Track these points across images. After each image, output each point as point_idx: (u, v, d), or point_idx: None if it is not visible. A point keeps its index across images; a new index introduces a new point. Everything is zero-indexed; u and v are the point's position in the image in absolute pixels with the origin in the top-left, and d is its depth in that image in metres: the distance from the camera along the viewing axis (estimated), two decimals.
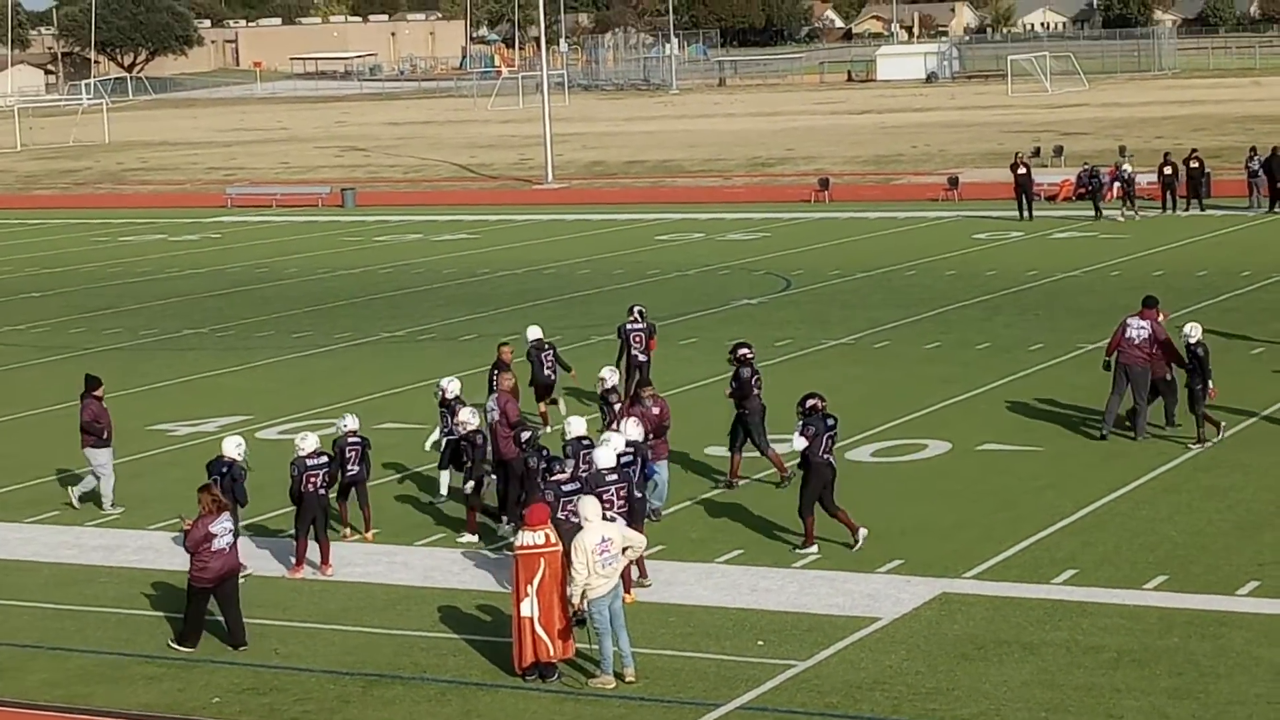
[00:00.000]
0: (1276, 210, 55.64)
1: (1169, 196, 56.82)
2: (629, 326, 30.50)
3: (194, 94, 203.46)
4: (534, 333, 30.17)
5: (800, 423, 22.07)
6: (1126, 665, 17.92)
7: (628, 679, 17.95)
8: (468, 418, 23.55)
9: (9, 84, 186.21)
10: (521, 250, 55.66)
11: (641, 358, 30.17)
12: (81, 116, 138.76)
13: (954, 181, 65.00)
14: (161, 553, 23.33)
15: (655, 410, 23.94)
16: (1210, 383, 26.37)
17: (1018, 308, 40.18)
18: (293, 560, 22.34)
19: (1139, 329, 26.98)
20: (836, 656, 18.55)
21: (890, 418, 29.25)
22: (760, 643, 19.02)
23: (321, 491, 22.08)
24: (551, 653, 18.06)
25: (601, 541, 17.79)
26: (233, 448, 22.29)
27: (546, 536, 18.08)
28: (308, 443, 22.17)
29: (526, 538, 18.09)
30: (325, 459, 22.24)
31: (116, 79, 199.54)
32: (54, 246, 63.28)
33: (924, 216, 59.82)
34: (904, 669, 18.12)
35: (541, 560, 17.95)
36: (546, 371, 29.41)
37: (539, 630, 17.95)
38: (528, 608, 17.94)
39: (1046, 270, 45.39)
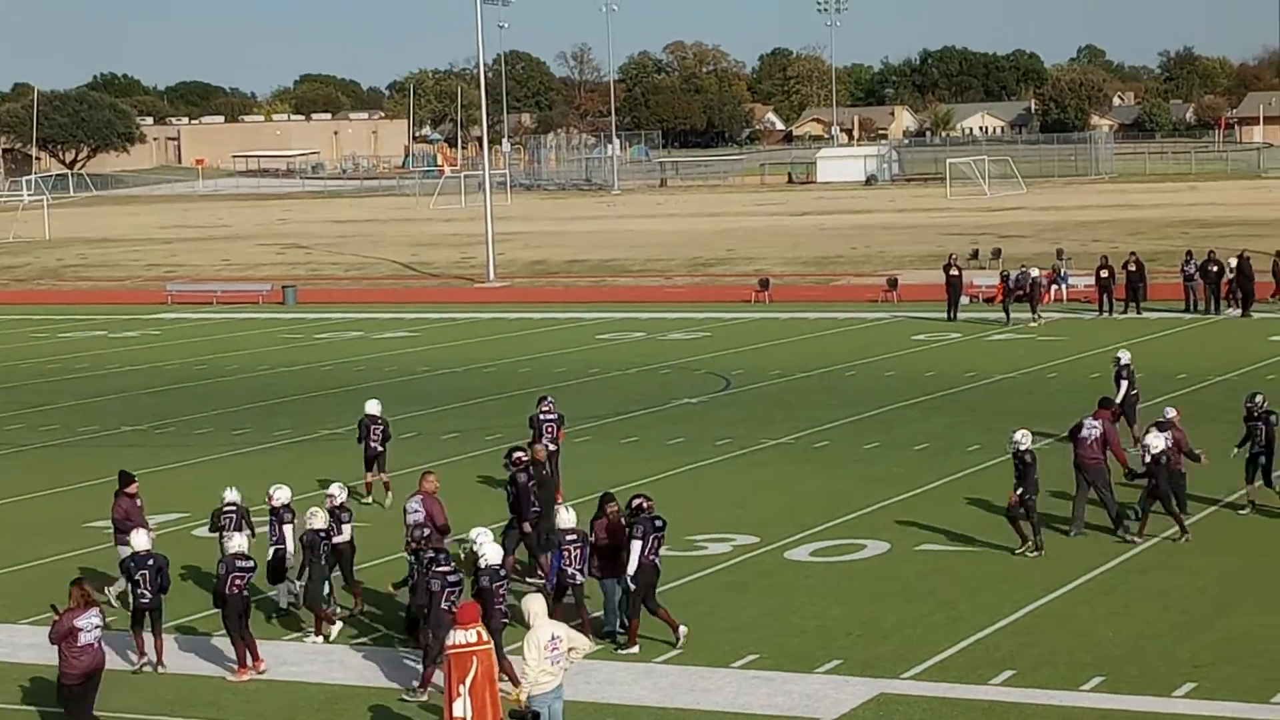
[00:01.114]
0: (1212, 313, 56.23)
1: (1106, 299, 57.36)
2: (541, 416, 31.55)
3: (135, 191, 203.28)
4: (371, 407, 32.58)
5: (629, 525, 22.11)
6: None
7: None
8: (311, 519, 23.36)
9: None
10: (462, 348, 55.66)
11: (551, 447, 30.44)
12: (22, 212, 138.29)
13: (893, 283, 65.42)
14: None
15: (621, 522, 23.72)
16: (1030, 491, 26.22)
17: (956, 409, 40.35)
18: (232, 665, 22.10)
19: (1091, 429, 27.41)
20: None
21: (829, 517, 29.28)
22: None
23: (245, 594, 21.89)
24: None
25: (552, 639, 17.72)
26: (144, 540, 22.19)
27: (479, 635, 17.98)
28: (232, 543, 22.10)
29: (459, 636, 17.99)
30: (252, 563, 22.04)
31: (58, 175, 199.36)
32: None
33: (863, 317, 60.15)
34: None
35: (474, 659, 17.86)
36: (374, 444, 31.72)
37: None
38: (460, 708, 17.82)
39: (985, 371, 45.66)
